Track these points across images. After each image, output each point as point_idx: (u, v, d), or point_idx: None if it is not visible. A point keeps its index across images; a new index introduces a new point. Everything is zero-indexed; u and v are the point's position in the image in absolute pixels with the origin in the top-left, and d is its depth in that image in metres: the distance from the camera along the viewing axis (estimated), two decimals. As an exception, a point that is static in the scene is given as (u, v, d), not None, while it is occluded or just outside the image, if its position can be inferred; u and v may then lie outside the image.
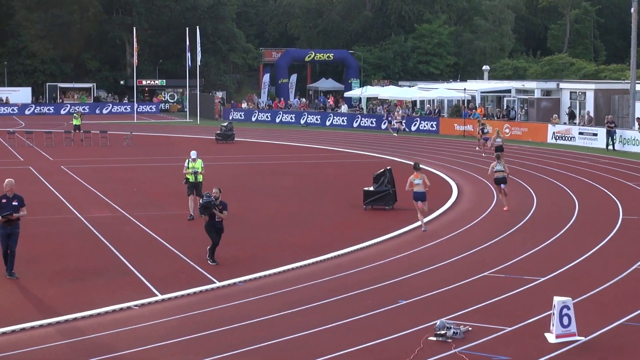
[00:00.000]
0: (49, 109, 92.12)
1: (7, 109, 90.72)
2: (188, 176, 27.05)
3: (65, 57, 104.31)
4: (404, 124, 67.06)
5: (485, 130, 50.33)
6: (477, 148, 50.60)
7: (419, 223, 25.55)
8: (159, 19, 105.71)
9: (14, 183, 19.76)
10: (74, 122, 58.36)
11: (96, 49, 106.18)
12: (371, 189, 29.28)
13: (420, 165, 26.62)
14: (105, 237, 23.98)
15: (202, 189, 26.45)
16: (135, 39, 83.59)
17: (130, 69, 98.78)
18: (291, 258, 21.32)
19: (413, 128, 67.53)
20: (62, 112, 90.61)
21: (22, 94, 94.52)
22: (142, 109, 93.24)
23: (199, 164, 27.22)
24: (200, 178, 27.24)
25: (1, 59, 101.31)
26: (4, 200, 19.39)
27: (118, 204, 29.81)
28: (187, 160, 27.43)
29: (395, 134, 64.69)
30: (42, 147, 52.49)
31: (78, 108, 78.57)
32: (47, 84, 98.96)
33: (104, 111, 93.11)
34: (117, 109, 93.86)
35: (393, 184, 29.19)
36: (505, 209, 28.66)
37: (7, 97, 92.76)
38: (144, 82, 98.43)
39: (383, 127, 68.90)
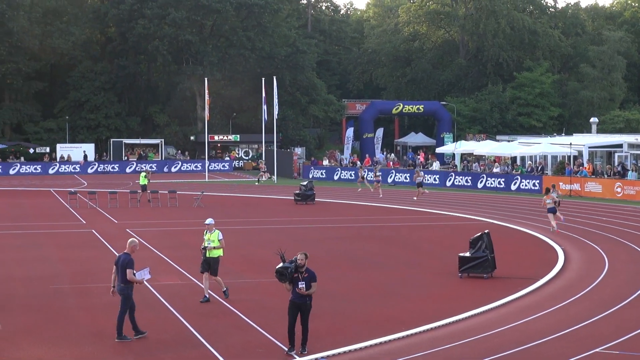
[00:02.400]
0: (113, 167, 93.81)
1: (68, 167, 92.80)
2: (208, 252, 25.08)
3: (131, 110, 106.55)
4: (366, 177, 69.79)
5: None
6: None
7: (521, 293, 25.71)
8: (232, 69, 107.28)
9: (137, 243, 21.49)
10: (141, 181, 59.23)
11: (164, 102, 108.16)
12: (467, 254, 29.10)
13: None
14: (173, 306, 24.22)
15: (218, 266, 25.12)
16: (206, 91, 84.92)
17: (201, 124, 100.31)
18: (380, 331, 21.24)
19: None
20: (128, 170, 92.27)
21: (84, 151, 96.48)
22: (214, 167, 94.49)
23: (215, 236, 25.12)
24: (215, 253, 25.00)
25: (62, 113, 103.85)
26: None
27: (188, 270, 30.08)
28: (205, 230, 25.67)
29: (359, 189, 68.16)
30: (106, 208, 53.40)
31: (145, 166, 79.95)
32: (112, 139, 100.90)
33: (173, 169, 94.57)
34: (187, 167, 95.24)
35: (492, 250, 28.97)
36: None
37: (68, 155, 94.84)
38: (216, 138, 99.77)
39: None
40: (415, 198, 60.73)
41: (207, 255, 24.86)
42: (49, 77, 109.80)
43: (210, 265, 24.91)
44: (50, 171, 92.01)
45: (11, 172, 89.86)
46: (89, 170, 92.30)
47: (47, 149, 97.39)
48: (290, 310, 19.04)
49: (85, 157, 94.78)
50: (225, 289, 25.29)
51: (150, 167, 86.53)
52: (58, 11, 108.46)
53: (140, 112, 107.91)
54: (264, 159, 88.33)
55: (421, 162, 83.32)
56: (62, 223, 46.24)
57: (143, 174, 59.97)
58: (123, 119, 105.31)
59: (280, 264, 19.16)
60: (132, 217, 48.75)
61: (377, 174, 67.50)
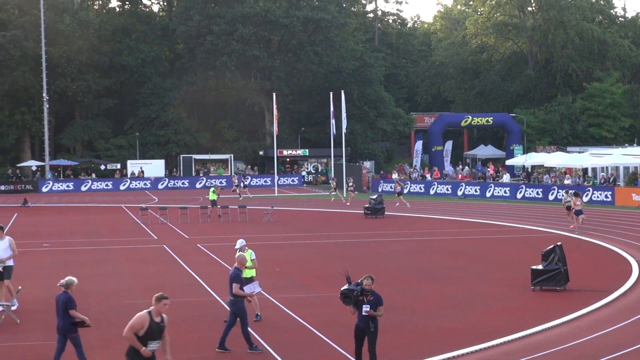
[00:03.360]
0: (183, 183, 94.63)
1: (139, 183, 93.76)
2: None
3: (200, 126, 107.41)
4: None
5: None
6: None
7: (595, 306, 25.57)
8: (300, 84, 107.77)
9: (244, 257, 22.10)
10: (210, 196, 59.58)
11: (233, 117, 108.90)
12: (540, 267, 28.85)
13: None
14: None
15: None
16: (275, 106, 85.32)
17: (269, 138, 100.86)
18: (451, 345, 21.15)
19: (585, 199, 66.45)
20: (198, 185, 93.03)
21: (154, 167, 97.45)
22: (284, 182, 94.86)
23: (249, 255, 24.42)
24: (248, 273, 24.23)
25: (132, 129, 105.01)
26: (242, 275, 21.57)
27: (261, 285, 30.18)
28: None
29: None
30: (176, 224, 53.85)
31: (214, 182, 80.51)
32: (181, 155, 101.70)
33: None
34: (257, 182, 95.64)
35: (564, 262, 28.69)
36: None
37: (139, 171, 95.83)
38: (284, 152, 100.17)
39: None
40: (397, 204, 64.41)
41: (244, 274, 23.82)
42: (119, 94, 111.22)
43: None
44: (121, 187, 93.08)
45: (83, 188, 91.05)
46: (159, 186, 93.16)
47: (118, 166, 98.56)
48: (355, 335, 18.22)
49: (142, 172, 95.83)
50: (258, 312, 24.62)
51: (220, 182, 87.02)
52: (127, 29, 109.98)
53: (209, 127, 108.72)
54: (333, 174, 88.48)
55: (491, 174, 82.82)
56: (134, 238, 46.74)
57: (212, 189, 60.32)
58: (192, 134, 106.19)
59: (346, 286, 18.35)
60: (203, 232, 49.08)
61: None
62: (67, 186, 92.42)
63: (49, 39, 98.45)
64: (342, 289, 18.33)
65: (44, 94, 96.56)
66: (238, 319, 21.04)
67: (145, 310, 14.49)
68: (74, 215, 63.52)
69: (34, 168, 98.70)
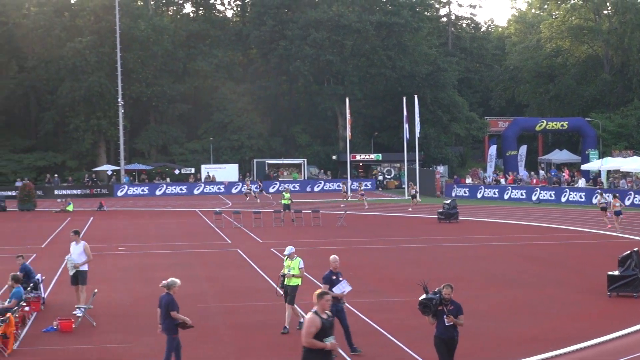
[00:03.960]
0: (256, 187, 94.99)
1: (213, 187, 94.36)
2: (287, 282, 23.93)
3: (273, 131, 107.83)
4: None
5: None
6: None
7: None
8: (373, 88, 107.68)
9: (337, 260, 21.96)
10: (284, 201, 59.79)
11: (306, 121, 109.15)
12: (616, 273, 28.49)
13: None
14: (320, 325, 24.34)
15: (295, 295, 23.81)
16: (348, 110, 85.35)
17: (342, 143, 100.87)
18: (527, 351, 20.99)
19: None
20: (271, 190, 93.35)
21: (228, 172, 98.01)
22: (357, 186, 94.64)
23: (296, 264, 23.85)
24: (294, 282, 23.73)
25: (206, 134, 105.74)
26: (334, 277, 21.62)
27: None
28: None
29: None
30: (250, 228, 54.10)
31: (287, 186, 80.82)
32: (255, 160, 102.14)
33: (316, 189, 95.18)
34: (330, 186, 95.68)
35: (642, 268, 28.33)
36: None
37: (213, 175, 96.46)
38: (357, 157, 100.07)
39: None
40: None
41: (286, 283, 23.78)
42: (193, 99, 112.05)
43: (287, 294, 23.80)
44: (195, 192, 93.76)
45: (157, 192, 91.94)
46: (233, 191, 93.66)
47: (192, 170, 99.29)
48: (437, 347, 17.46)
49: (210, 177, 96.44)
50: (301, 320, 23.49)
51: (293, 187, 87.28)
52: (201, 34, 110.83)
53: (282, 132, 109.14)
54: (406, 178, 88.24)
55: (566, 179, 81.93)
56: (208, 243, 47.06)
57: (286, 193, 60.47)
58: (266, 139, 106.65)
59: (424, 295, 17.59)
60: (276, 237, 49.23)
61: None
62: (142, 190, 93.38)
63: (124, 44, 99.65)
64: (420, 298, 17.65)
65: (119, 99, 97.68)
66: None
67: (310, 312, 14.20)
68: (148, 219, 64.17)
69: (109, 172, 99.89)
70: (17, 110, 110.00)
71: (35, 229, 56.82)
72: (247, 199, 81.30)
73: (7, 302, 24.09)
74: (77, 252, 26.15)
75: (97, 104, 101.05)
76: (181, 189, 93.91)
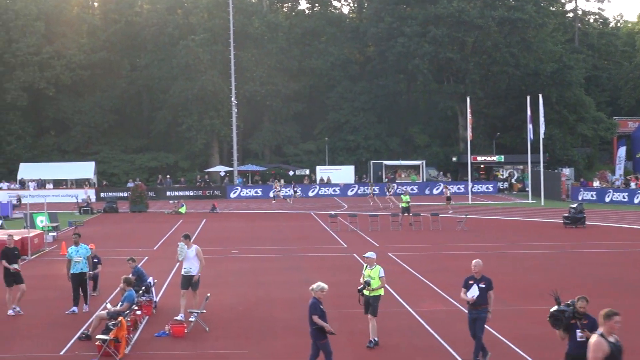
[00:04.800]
0: (288, 191, 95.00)
1: (328, 189, 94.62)
2: (365, 291, 22.87)
3: (391, 131, 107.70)
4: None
5: None
6: None
7: None
8: (495, 87, 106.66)
9: (480, 264, 21.38)
10: (403, 204, 59.59)
11: (425, 121, 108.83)
12: None
13: None
14: (439, 334, 24.19)
15: (378, 306, 22.79)
16: (468, 110, 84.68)
17: (463, 144, 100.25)
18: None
19: None
20: (387, 193, 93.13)
21: (344, 173, 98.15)
22: (478, 189, 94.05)
23: (376, 272, 22.73)
24: (376, 292, 22.65)
25: (321, 134, 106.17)
26: (470, 282, 21.20)
27: (453, 296, 29.94)
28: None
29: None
30: (366, 231, 54.04)
31: (406, 188, 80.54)
32: (371, 161, 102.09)
33: (435, 191, 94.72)
34: (449, 189, 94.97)
35: None
36: None
37: (328, 177, 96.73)
38: (478, 159, 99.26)
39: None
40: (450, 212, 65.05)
41: (367, 293, 22.62)
42: (308, 98, 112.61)
43: (369, 305, 22.69)
44: (310, 194, 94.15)
45: (271, 194, 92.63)
46: (349, 193, 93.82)
47: (307, 171, 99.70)
48: None
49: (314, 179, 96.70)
50: (376, 338, 22.86)
51: (411, 189, 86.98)
52: (316, 31, 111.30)
53: (400, 132, 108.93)
54: (530, 181, 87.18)
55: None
56: (323, 246, 47.15)
57: (405, 196, 60.20)
58: (383, 139, 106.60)
59: (555, 307, 16.56)
60: (394, 241, 49.08)
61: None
62: (256, 192, 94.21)
63: (238, 42, 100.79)
64: (551, 310, 16.63)
65: (233, 98, 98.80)
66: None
67: (595, 334, 13.33)
68: (262, 221, 64.61)
69: (222, 173, 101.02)
70: (129, 109, 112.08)
71: (146, 231, 57.70)
72: (274, 201, 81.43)
73: (119, 305, 24.47)
74: (190, 257, 26.21)
75: (210, 103, 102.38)
76: (296, 191, 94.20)
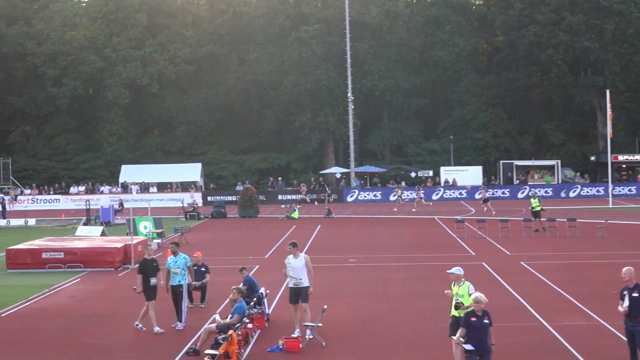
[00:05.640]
0: (503, 192, 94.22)
1: (453, 192, 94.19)
2: (454, 312, 22.24)
3: (522, 128, 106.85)
4: None
5: None
6: None
7: None
8: (638, 79, 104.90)
9: (632, 272, 21.02)
10: (533, 208, 58.82)
11: (560, 118, 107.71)
12: None
13: None
14: (577, 350, 23.92)
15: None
16: (608, 105, 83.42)
17: (602, 142, 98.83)
18: None
19: None
20: (520, 195, 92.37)
21: (470, 174, 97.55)
22: (619, 191, 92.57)
23: (465, 289, 22.11)
24: (460, 312, 21.68)
25: (446, 132, 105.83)
26: (624, 292, 20.87)
27: (593, 310, 29.55)
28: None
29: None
30: (496, 238, 53.58)
31: (537, 191, 79.81)
32: (501, 161, 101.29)
33: (571, 194, 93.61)
34: (587, 191, 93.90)
35: None
36: None
37: (453, 179, 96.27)
38: (620, 158, 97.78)
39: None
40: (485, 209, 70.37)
41: (458, 314, 21.80)
42: (431, 93, 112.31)
43: (458, 324, 21.40)
44: (434, 197, 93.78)
45: (392, 198, 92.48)
46: (476, 196, 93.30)
47: (430, 173, 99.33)
48: None
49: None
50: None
51: (545, 192, 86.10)
52: (440, 20, 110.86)
53: (532, 129, 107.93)
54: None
55: None
56: (448, 254, 46.89)
57: (534, 200, 59.38)
58: (513, 137, 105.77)
59: None
60: (526, 248, 48.56)
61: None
62: (374, 195, 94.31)
63: (354, 33, 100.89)
64: None
65: (349, 94, 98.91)
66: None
67: None
68: (381, 227, 64.55)
69: (337, 175, 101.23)
70: (238, 107, 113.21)
71: (257, 238, 58.11)
72: (299, 206, 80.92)
73: (229, 317, 24.69)
74: (297, 267, 26.09)
75: (324, 99, 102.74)
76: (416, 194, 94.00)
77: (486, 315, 19.84)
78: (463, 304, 21.66)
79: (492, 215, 67.38)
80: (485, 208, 71.86)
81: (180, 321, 28.08)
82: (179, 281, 28.30)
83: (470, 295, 21.53)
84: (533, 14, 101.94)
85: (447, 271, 22.82)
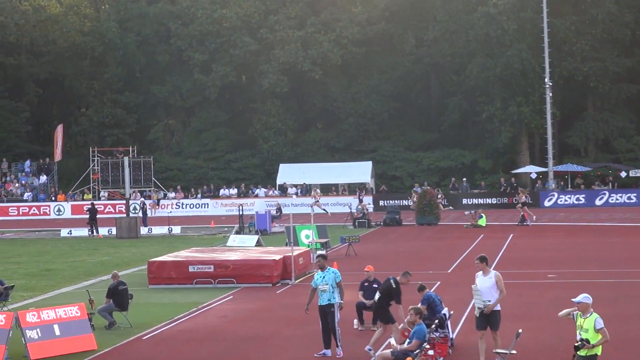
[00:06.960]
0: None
1: None
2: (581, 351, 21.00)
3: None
4: None
5: None
6: None
7: None
8: None
9: None
10: None
11: None
12: None
13: None
14: None
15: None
16: None
17: None
18: None
19: None
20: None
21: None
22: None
23: (591, 323, 20.92)
24: (592, 350, 20.84)
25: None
26: None
27: None
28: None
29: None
30: None
31: None
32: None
33: None
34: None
35: None
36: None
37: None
38: None
39: None
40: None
41: (583, 354, 20.85)
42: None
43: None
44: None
45: (598, 202, 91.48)
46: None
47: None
48: None
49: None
50: None
51: None
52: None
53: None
54: None
55: None
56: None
57: None
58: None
59: None
60: None
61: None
62: (577, 199, 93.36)
63: (553, 7, 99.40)
64: None
65: (547, 79, 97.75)
66: None
67: None
68: (585, 237, 63.95)
69: (533, 175, 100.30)
70: (414, 95, 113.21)
71: (438, 249, 58.16)
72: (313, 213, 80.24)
73: (406, 343, 24.78)
74: (486, 286, 25.54)
75: (517, 85, 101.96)
76: (629, 198, 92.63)
77: None
78: (588, 342, 20.63)
79: (533, 221, 72.66)
80: (523, 213, 74.83)
81: (338, 345, 27.68)
82: (329, 300, 27.94)
83: (596, 331, 20.65)
84: None
85: (573, 299, 21.38)
